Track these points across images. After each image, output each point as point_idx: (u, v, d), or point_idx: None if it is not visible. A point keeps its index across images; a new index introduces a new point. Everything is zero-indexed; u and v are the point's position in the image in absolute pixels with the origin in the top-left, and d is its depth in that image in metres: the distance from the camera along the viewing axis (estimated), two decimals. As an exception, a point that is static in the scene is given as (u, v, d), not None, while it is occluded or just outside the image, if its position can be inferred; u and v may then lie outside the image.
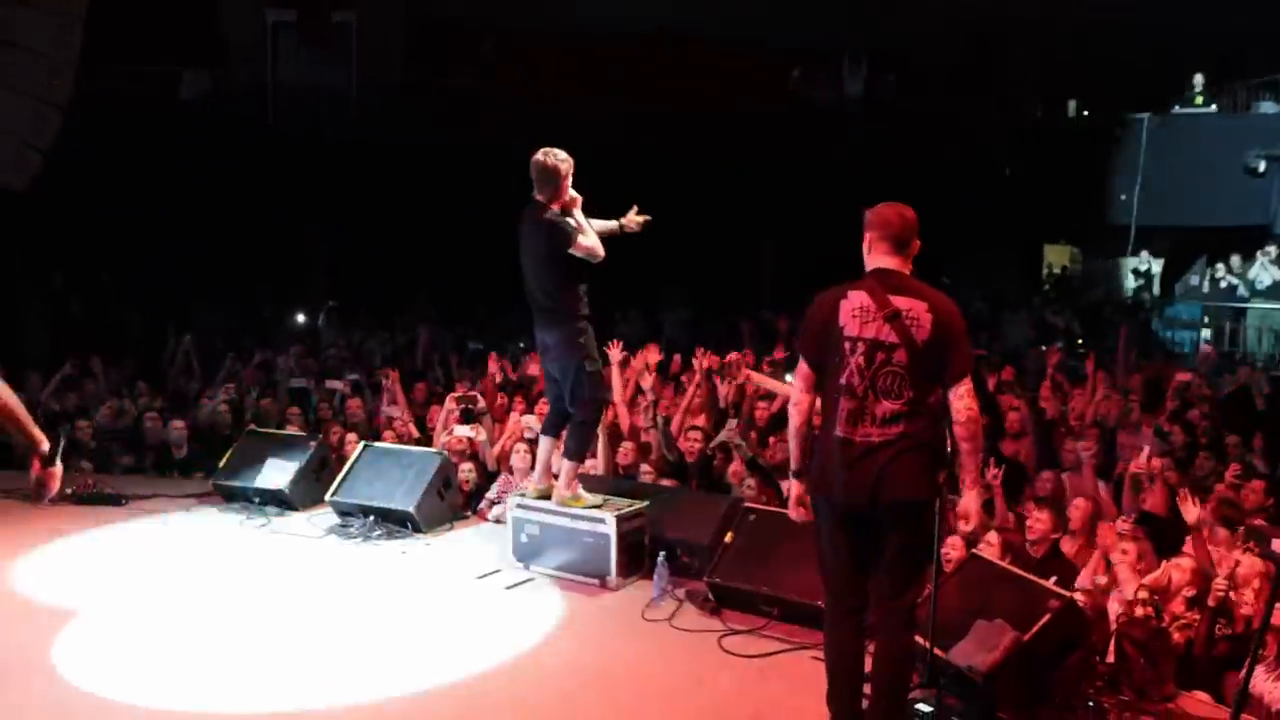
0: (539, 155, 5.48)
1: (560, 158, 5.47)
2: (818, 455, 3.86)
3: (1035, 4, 16.56)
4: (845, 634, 3.86)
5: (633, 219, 5.83)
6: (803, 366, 3.92)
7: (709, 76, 16.61)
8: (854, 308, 3.76)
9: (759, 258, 17.32)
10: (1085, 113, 18.51)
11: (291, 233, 15.23)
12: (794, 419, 3.97)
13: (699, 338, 13.27)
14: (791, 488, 4.08)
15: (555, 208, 5.51)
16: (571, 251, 5.44)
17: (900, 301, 3.71)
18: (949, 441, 3.79)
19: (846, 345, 3.75)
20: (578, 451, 5.79)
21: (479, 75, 16.56)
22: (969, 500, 3.82)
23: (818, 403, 3.90)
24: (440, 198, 14.87)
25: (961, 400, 3.69)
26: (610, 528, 5.65)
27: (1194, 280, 17.67)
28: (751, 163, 15.84)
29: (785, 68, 16.85)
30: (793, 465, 4.06)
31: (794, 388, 3.99)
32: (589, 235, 5.50)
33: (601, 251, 5.52)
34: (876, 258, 3.85)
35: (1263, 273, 15.87)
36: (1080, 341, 15.70)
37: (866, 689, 3.91)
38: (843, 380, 3.75)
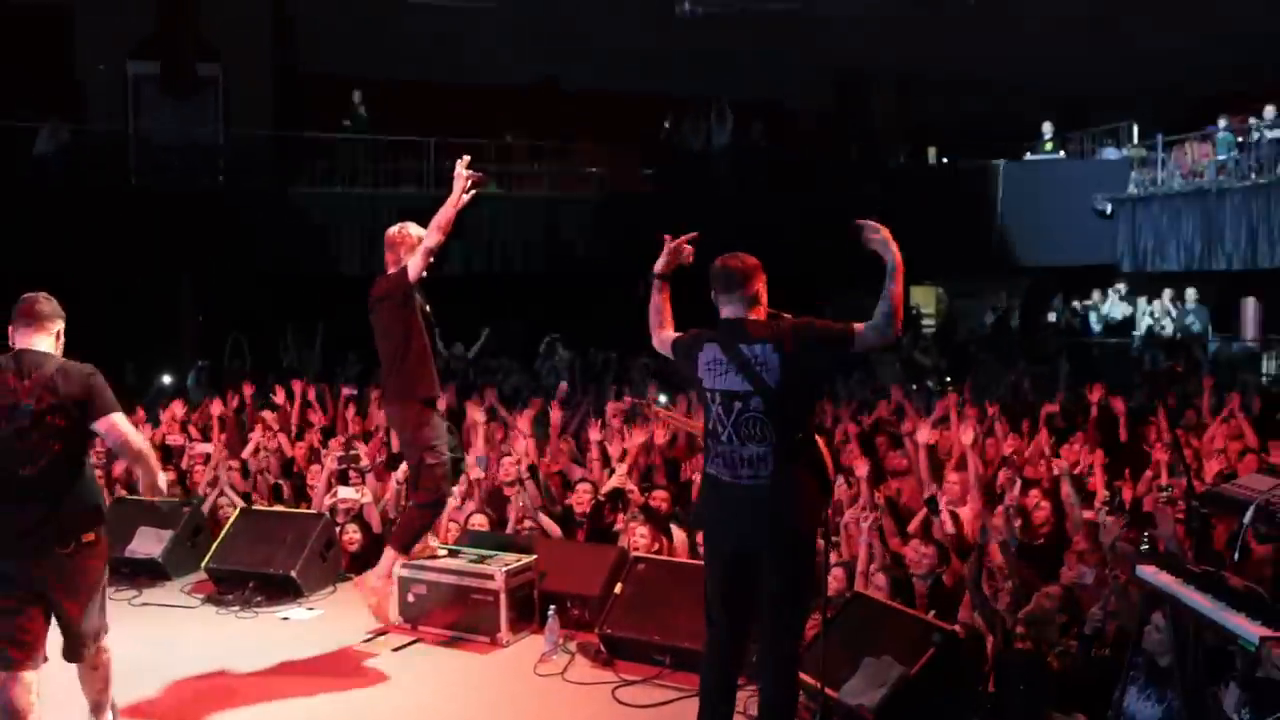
0: (392, 229, 5.36)
1: (410, 231, 5.31)
2: (701, 488, 4.00)
3: (894, 57, 17.30)
4: (722, 666, 3.93)
5: (462, 171, 5.25)
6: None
7: (587, 123, 16.88)
8: (707, 360, 3.90)
9: (635, 295, 17.52)
10: (944, 159, 19.29)
11: (158, 290, 14.75)
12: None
13: (584, 380, 13.35)
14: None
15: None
16: (413, 263, 5.15)
17: (747, 350, 3.81)
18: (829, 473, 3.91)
19: (708, 395, 3.89)
20: (405, 544, 5.53)
21: (351, 126, 16.42)
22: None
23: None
24: (311, 247, 14.70)
25: (879, 325, 3.75)
26: (499, 583, 5.60)
27: (1049, 317, 18.54)
28: (626, 204, 16.14)
29: (659, 117, 17.17)
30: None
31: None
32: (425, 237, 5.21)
33: (438, 236, 5.16)
34: (723, 308, 3.97)
35: (1114, 308, 16.72)
36: (948, 380, 16.30)
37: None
38: (710, 426, 3.90)
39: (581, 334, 14.87)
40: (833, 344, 3.83)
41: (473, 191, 5.26)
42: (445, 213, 5.18)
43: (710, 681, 3.94)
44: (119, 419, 4.06)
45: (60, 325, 4.28)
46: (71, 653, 4.09)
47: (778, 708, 3.87)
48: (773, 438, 3.75)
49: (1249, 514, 3.10)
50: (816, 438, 3.89)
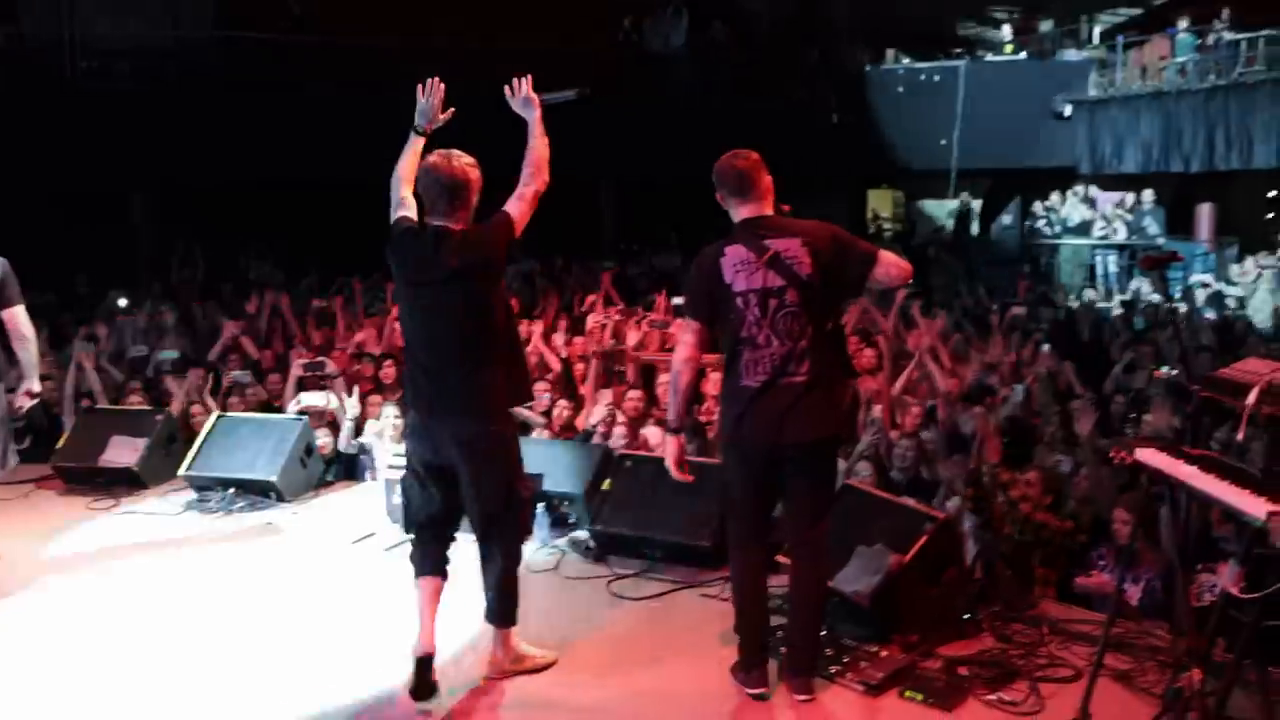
0: (443, 161, 3.83)
1: (469, 163, 3.89)
2: (728, 406, 3.91)
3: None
4: (751, 560, 3.96)
5: (533, 95, 4.10)
6: (692, 323, 3.96)
7: (540, 24, 16.43)
8: (734, 263, 3.81)
9: (598, 201, 17.45)
10: (904, 61, 19.16)
11: (108, 200, 14.33)
12: (683, 376, 3.95)
13: (544, 290, 13.26)
14: (669, 445, 4.06)
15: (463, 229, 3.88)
16: (520, 214, 3.94)
17: (776, 244, 3.78)
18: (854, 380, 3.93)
19: (738, 300, 3.79)
20: (512, 614, 4.17)
21: (290, 26, 15.84)
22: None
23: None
24: (262, 151, 14.26)
25: (892, 269, 3.81)
26: (488, 482, 5.59)
27: (1006, 220, 18.67)
28: (587, 106, 15.85)
29: (618, 17, 16.83)
30: (672, 422, 4.04)
31: (683, 344, 3.98)
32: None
33: (546, 175, 4.04)
34: (736, 210, 3.91)
35: (1073, 211, 16.86)
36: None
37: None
38: (743, 334, 3.80)
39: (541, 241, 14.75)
40: (862, 263, 3.81)
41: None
42: (542, 147, 4.02)
43: (744, 579, 3.96)
44: (18, 311, 5.17)
45: None
46: None
47: (817, 583, 3.98)
48: (809, 332, 3.74)
49: (1253, 395, 3.15)
50: (842, 326, 3.91)
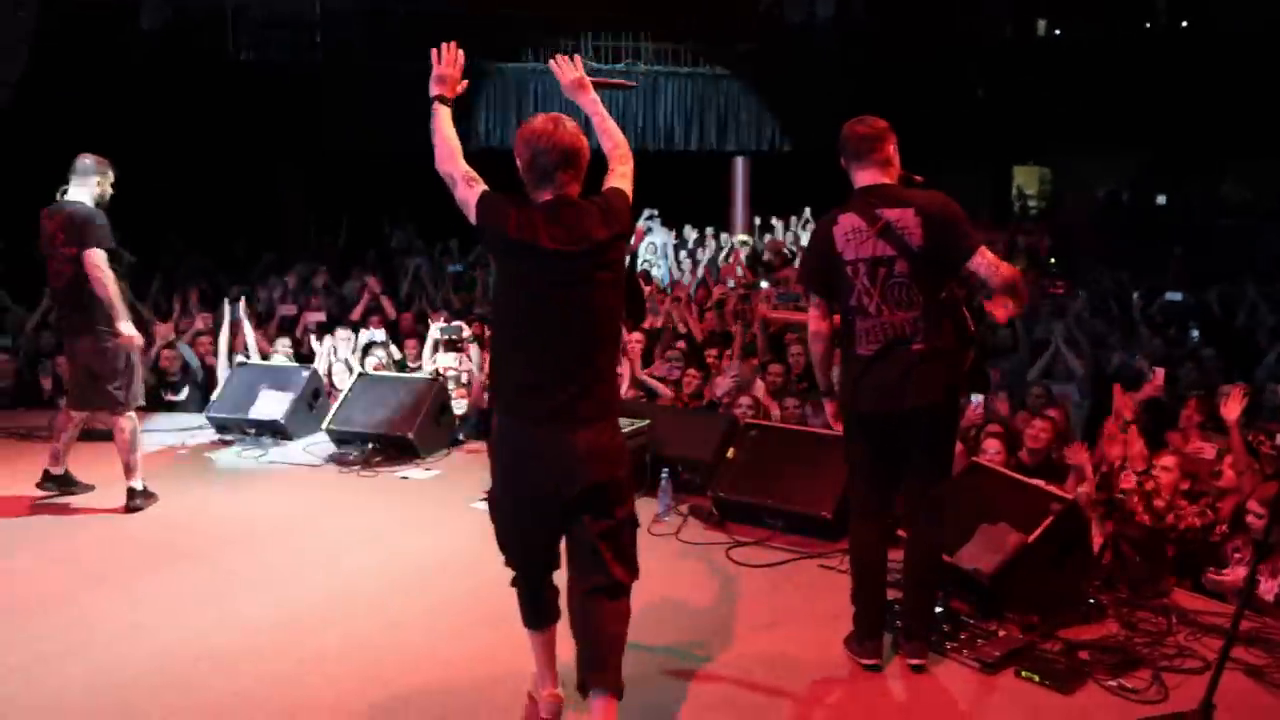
0: (554, 126, 3.28)
1: (578, 127, 3.34)
2: (846, 372, 3.94)
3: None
4: (871, 532, 3.96)
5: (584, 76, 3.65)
6: (814, 298, 4.00)
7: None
8: (846, 231, 3.81)
9: (729, 177, 17.41)
10: (1056, 31, 18.45)
11: (263, 168, 14.97)
12: (815, 347, 4.04)
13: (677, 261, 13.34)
14: (826, 406, 4.21)
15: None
16: (631, 189, 3.48)
17: (888, 213, 3.76)
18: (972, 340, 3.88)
19: (849, 269, 3.80)
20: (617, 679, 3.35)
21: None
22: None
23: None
24: (412, 122, 14.62)
25: (988, 269, 3.72)
26: (614, 446, 5.71)
27: (1161, 198, 17.83)
28: (726, 81, 15.83)
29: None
30: (821, 386, 4.20)
31: (811, 320, 4.04)
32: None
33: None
34: (856, 177, 3.89)
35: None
36: (1053, 261, 15.89)
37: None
38: (853, 302, 3.82)
39: (675, 213, 14.81)
40: (956, 246, 3.75)
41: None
42: (616, 127, 3.60)
43: (863, 549, 3.98)
44: (93, 253, 5.51)
45: (96, 179, 5.69)
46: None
47: (934, 546, 3.99)
48: (920, 301, 3.73)
49: None
50: (957, 295, 3.86)
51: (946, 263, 3.77)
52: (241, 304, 8.48)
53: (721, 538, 5.32)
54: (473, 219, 3.31)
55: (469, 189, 3.32)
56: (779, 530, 5.31)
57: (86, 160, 5.71)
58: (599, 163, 3.47)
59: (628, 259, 3.66)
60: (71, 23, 12.58)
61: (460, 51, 3.54)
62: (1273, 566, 4.50)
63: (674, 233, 14.18)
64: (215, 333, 8.33)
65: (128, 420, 5.72)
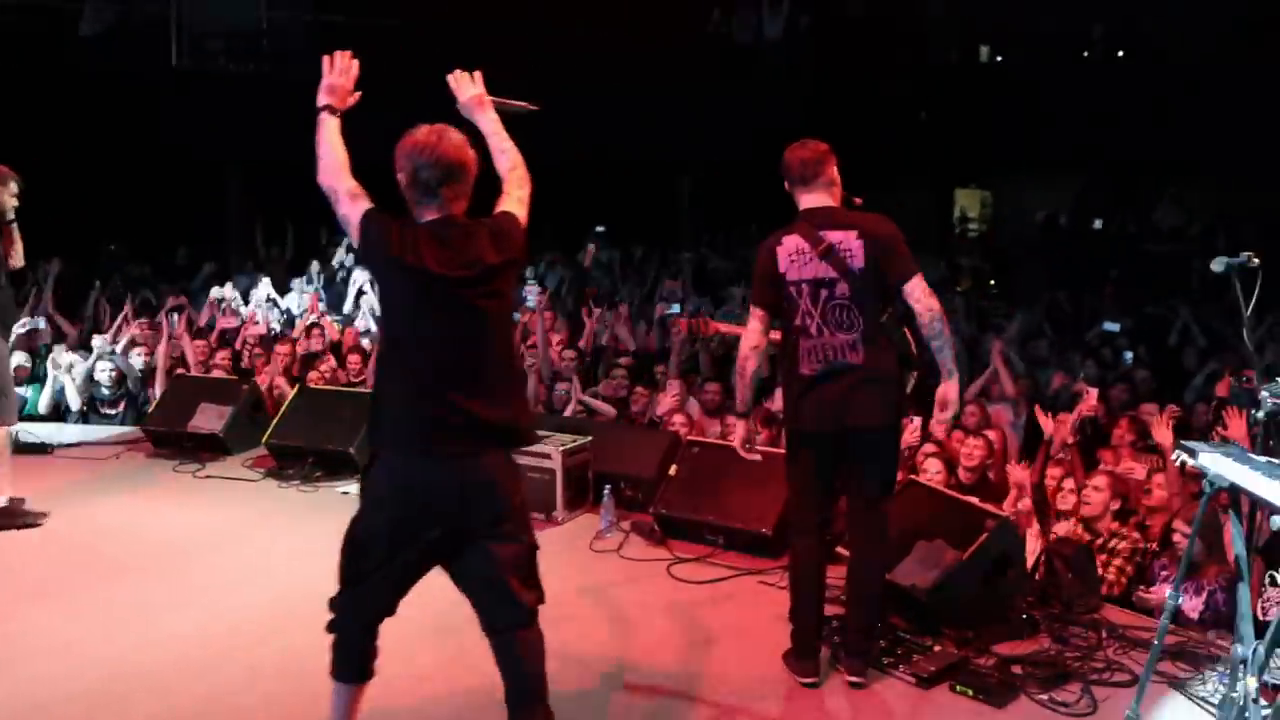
0: (436, 138, 3.13)
1: (464, 140, 3.21)
2: (789, 391, 4.00)
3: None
4: (811, 547, 4.00)
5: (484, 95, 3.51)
6: (757, 311, 4.03)
7: (627, 19, 16.49)
8: (790, 252, 3.89)
9: (675, 194, 17.51)
10: (998, 58, 18.82)
11: (209, 176, 14.81)
12: (750, 362, 4.06)
13: (623, 278, 13.38)
14: (738, 427, 4.23)
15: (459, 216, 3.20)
16: (524, 213, 3.32)
17: (831, 235, 3.84)
18: (911, 359, 3.94)
19: (792, 289, 3.88)
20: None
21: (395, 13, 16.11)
22: (946, 389, 3.92)
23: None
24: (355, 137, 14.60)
25: (919, 301, 3.81)
26: (556, 462, 5.72)
27: (1098, 222, 18.21)
28: (667, 98, 15.91)
29: (706, 10, 16.78)
30: (739, 405, 4.22)
31: (750, 331, 4.06)
32: None
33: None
34: (801, 199, 3.97)
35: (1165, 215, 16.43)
36: (992, 282, 16.16)
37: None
38: (797, 322, 3.89)
39: (622, 230, 14.87)
40: (892, 269, 3.84)
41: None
42: (514, 148, 3.44)
43: (803, 566, 4.01)
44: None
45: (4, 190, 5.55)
46: None
47: (877, 568, 4.05)
48: (860, 324, 3.80)
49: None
50: (899, 320, 3.93)
51: (885, 286, 3.84)
52: (179, 315, 8.36)
53: (663, 554, 5.34)
54: (354, 237, 3.16)
55: (352, 204, 3.14)
56: (720, 547, 5.34)
57: None
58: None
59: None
60: (9, 29, 12.40)
61: (355, 61, 3.35)
62: (1196, 585, 4.62)
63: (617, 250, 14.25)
64: (152, 344, 8.20)
65: None
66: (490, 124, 3.43)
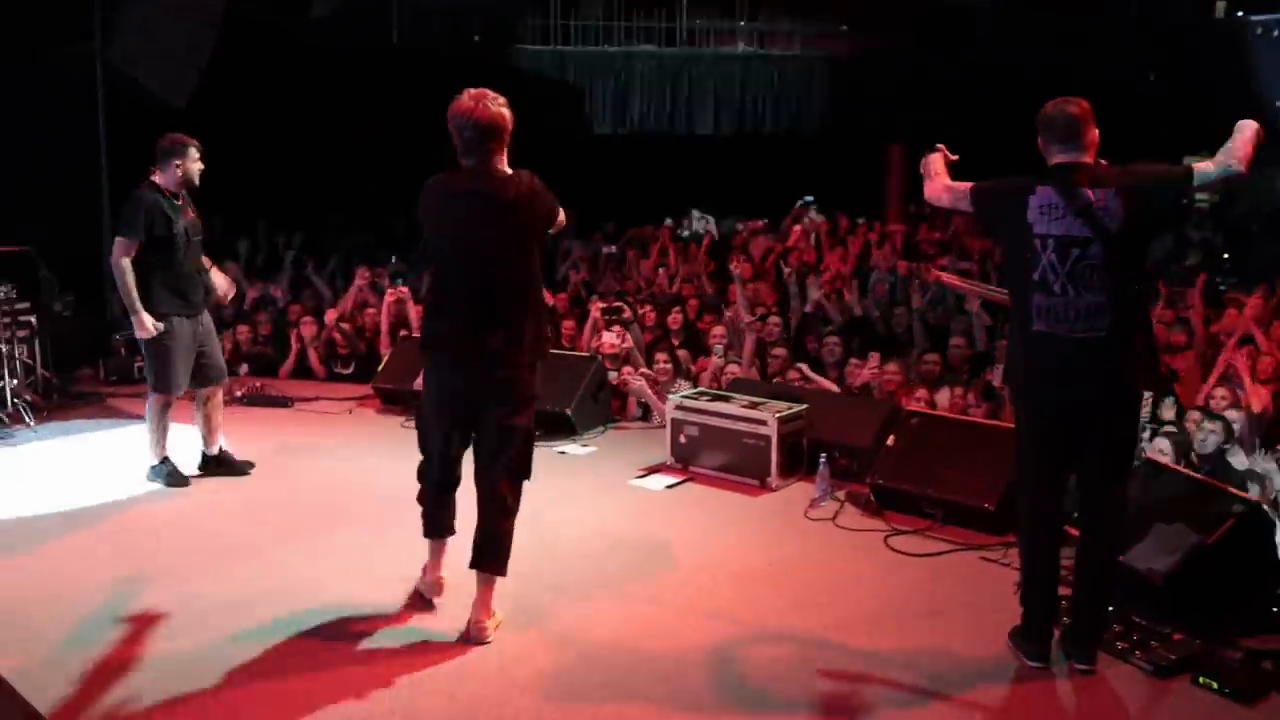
0: (479, 104, 3.81)
1: (504, 103, 3.88)
2: (1017, 355, 3.83)
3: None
4: (1046, 529, 3.85)
5: None
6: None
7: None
8: (1041, 204, 3.69)
9: (887, 163, 17.13)
10: (1239, 13, 17.45)
11: (424, 149, 15.40)
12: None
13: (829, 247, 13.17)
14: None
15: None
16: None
17: (1090, 193, 3.64)
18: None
19: (1036, 242, 3.68)
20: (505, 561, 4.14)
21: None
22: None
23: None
24: (540, 116, 14.98)
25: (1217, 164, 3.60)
26: (771, 429, 5.73)
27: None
28: (879, 63, 15.57)
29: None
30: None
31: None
32: None
33: None
34: (1055, 156, 3.75)
35: None
36: (1225, 256, 15.09)
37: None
38: (1036, 277, 3.69)
39: (825, 196, 14.64)
40: (1174, 181, 3.65)
41: None
42: None
43: (1035, 544, 3.87)
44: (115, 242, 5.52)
45: (166, 160, 5.56)
46: None
47: (1110, 549, 3.86)
48: (1111, 287, 3.61)
49: None
50: (1147, 291, 3.74)
51: (1141, 250, 3.65)
52: (401, 281, 8.79)
53: (880, 525, 5.27)
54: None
55: None
56: (938, 520, 5.23)
57: (163, 143, 5.61)
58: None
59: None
60: (248, 15, 13.18)
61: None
62: None
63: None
64: (378, 306, 8.67)
65: (155, 399, 5.75)
66: None
